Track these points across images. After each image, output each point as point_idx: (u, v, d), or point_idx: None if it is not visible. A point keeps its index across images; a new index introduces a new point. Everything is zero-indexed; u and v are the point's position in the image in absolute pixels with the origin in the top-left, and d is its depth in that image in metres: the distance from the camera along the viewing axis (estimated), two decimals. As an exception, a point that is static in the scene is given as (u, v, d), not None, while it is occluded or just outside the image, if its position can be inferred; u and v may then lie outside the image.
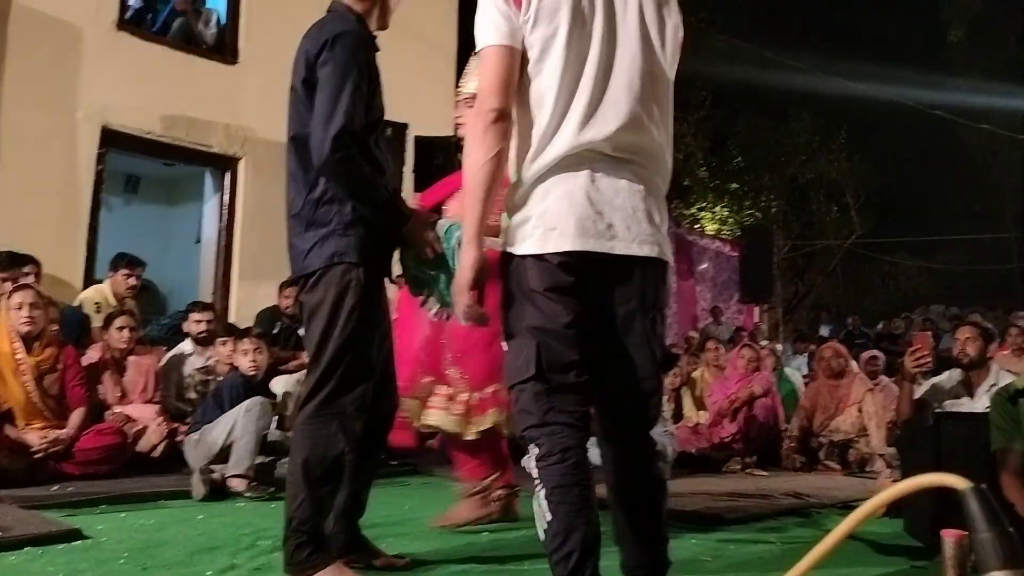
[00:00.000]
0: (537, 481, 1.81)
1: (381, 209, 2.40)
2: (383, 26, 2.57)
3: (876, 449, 5.48)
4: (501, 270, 1.94)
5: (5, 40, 5.97)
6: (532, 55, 1.88)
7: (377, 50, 2.50)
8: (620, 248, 1.88)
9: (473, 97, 2.56)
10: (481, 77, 1.91)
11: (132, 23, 6.87)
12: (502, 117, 1.86)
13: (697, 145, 17.72)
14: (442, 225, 2.39)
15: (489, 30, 1.88)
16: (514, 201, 1.93)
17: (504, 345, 1.95)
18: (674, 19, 2.01)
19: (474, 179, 1.87)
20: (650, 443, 2.02)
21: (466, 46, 9.36)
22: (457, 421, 3.26)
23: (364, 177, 2.35)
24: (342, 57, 2.32)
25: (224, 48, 7.32)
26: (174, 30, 7.17)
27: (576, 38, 1.87)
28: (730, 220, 18.46)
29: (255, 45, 7.32)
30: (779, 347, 9.74)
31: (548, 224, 1.86)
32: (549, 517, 1.77)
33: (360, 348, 2.39)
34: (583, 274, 1.86)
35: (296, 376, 5.19)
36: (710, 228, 17.55)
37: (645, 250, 1.90)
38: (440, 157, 7.55)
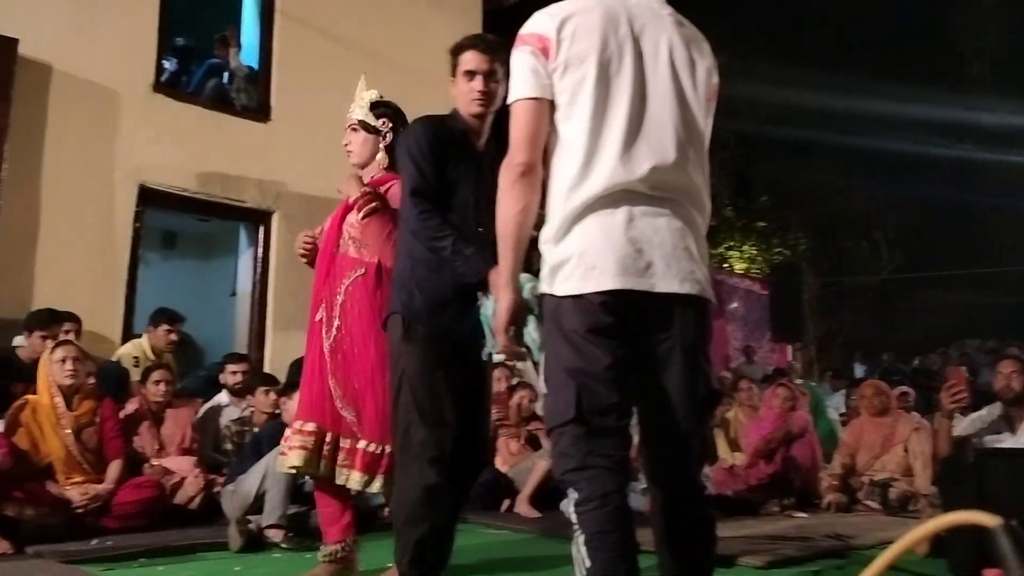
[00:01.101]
0: (576, 527, 1.79)
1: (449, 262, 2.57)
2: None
3: (921, 488, 5.37)
4: (541, 312, 1.97)
5: (46, 104, 6.18)
6: (562, 100, 1.93)
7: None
8: (661, 286, 1.88)
9: (359, 124, 3.09)
10: (512, 130, 1.96)
11: (167, 85, 7.09)
12: (530, 171, 1.92)
13: (722, 185, 17.71)
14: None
15: (519, 83, 1.95)
16: (551, 242, 1.95)
17: (542, 386, 1.96)
18: (706, 62, 2.05)
19: (505, 229, 1.95)
20: (698, 487, 1.99)
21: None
22: (359, 478, 2.98)
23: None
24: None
25: (256, 107, 7.52)
26: (208, 91, 7.39)
27: (605, 83, 1.91)
28: (759, 258, 18.37)
29: (286, 103, 7.51)
30: (813, 384, 9.61)
31: (588, 264, 1.86)
32: (588, 564, 1.74)
33: (419, 394, 2.59)
34: (623, 314, 1.85)
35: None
36: (739, 267, 17.47)
37: (686, 287, 1.90)
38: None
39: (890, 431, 5.71)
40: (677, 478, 1.96)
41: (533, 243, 2.14)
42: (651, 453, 1.98)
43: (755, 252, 18.56)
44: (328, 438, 2.99)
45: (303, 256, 3.25)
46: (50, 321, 5.14)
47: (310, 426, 3.00)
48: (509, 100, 1.98)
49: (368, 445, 2.96)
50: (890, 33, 19.28)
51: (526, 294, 2.25)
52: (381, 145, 3.14)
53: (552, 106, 1.93)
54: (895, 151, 18.63)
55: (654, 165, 1.89)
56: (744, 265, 17.92)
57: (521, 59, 1.94)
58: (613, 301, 1.85)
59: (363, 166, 3.16)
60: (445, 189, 2.68)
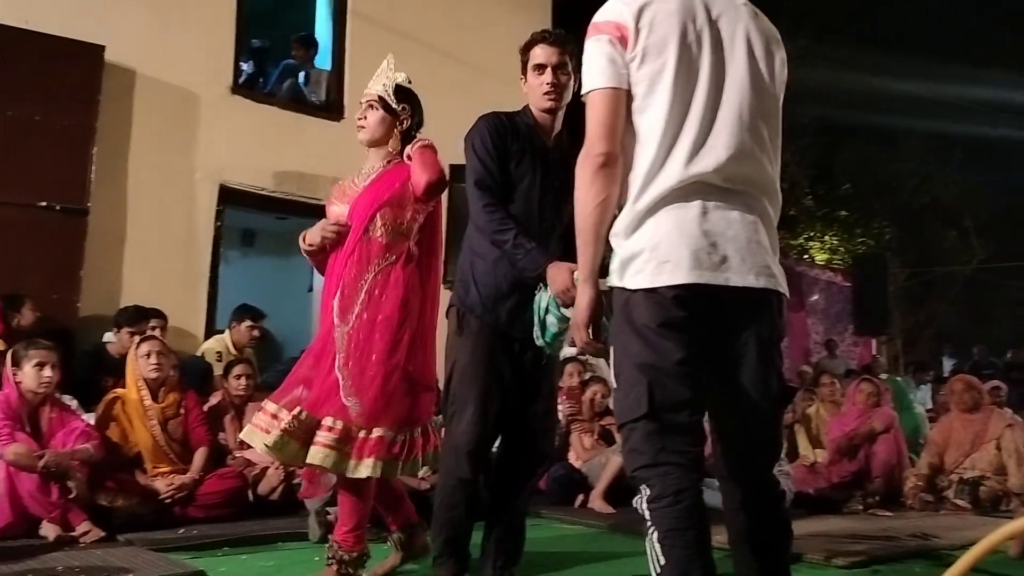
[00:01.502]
0: (649, 524, 1.76)
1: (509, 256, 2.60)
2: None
3: (1014, 487, 5.14)
4: (611, 305, 1.93)
5: (131, 108, 6.40)
6: (639, 91, 1.87)
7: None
8: (735, 280, 1.83)
9: (378, 101, 2.97)
10: (589, 121, 1.91)
11: (245, 87, 7.27)
12: (610, 162, 1.86)
13: (802, 173, 17.28)
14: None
15: (595, 73, 1.88)
16: (622, 235, 1.91)
17: (613, 382, 1.93)
18: (781, 54, 2.01)
19: (585, 222, 1.89)
20: (773, 483, 1.95)
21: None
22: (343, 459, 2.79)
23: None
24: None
25: (331, 106, 7.65)
26: (283, 91, 7.55)
27: (684, 72, 1.86)
28: (840, 249, 17.86)
29: (358, 103, 7.61)
30: (897, 379, 9.30)
31: (661, 257, 1.82)
32: (663, 561, 1.72)
33: (465, 384, 2.67)
34: (696, 308, 1.82)
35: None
36: (820, 258, 17.03)
37: (761, 282, 1.86)
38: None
39: (981, 427, 5.48)
40: (752, 475, 1.93)
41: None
42: (725, 450, 1.94)
43: (836, 242, 18.06)
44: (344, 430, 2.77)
45: (324, 241, 3.04)
46: (137, 318, 5.33)
47: (337, 424, 2.77)
48: (585, 90, 1.92)
49: (360, 432, 2.76)
50: (978, 16, 18.50)
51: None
52: (397, 130, 3.03)
53: (629, 96, 1.88)
54: (984, 136, 17.87)
55: (729, 156, 1.85)
56: (825, 256, 17.45)
57: (598, 48, 1.88)
58: (686, 295, 1.81)
59: (372, 145, 3.08)
60: (508, 183, 2.69)
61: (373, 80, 3.08)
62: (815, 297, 13.18)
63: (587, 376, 6.07)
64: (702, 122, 1.86)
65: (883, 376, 8.67)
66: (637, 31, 1.86)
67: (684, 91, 1.86)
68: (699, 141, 1.85)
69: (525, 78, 2.78)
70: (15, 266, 5.52)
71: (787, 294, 1.95)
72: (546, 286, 2.45)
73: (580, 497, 5.16)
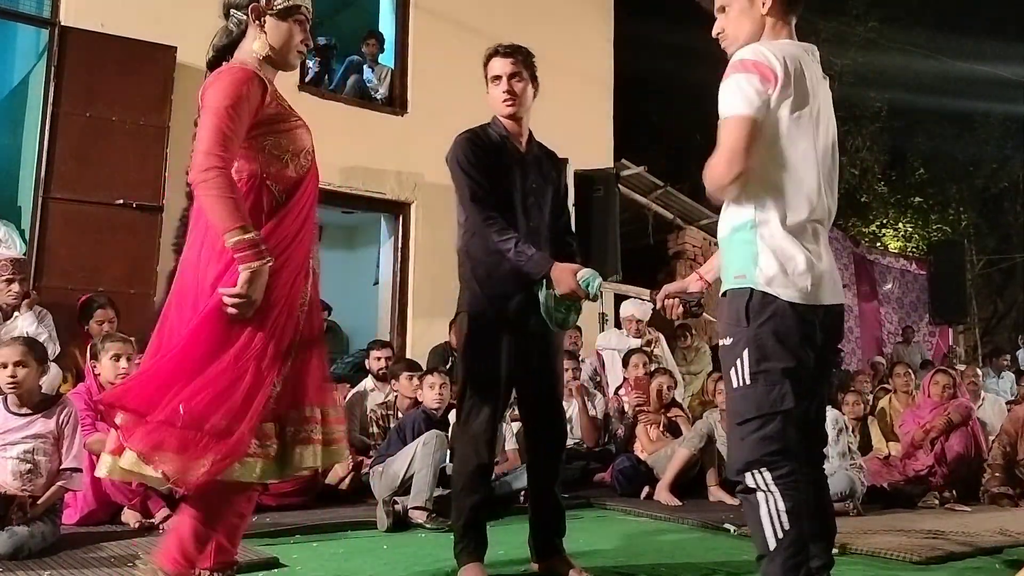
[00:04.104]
0: (774, 495, 2.07)
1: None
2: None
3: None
4: (754, 309, 2.14)
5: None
6: (781, 129, 2.13)
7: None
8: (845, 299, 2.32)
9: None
10: (728, 140, 2.10)
11: (311, 84, 7.40)
12: (742, 179, 2.12)
13: (873, 159, 16.80)
14: (582, 275, 2.78)
15: (741, 101, 2.10)
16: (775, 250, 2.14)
17: (746, 376, 2.15)
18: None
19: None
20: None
21: (621, 79, 9.40)
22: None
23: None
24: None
25: (394, 101, 7.74)
26: (348, 88, 7.66)
27: (813, 120, 2.17)
28: (915, 236, 17.33)
29: (422, 97, 7.69)
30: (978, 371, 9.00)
31: (814, 278, 2.12)
32: (788, 527, 2.05)
33: (480, 381, 2.90)
34: (818, 324, 2.16)
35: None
36: (893, 246, 16.54)
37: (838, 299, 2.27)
38: (600, 190, 7.61)
39: (1056, 416, 5.28)
40: (817, 459, 2.29)
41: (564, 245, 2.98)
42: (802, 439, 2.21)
43: (911, 229, 17.52)
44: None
45: None
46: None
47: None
48: (727, 113, 2.11)
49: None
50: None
51: (593, 290, 2.76)
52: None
53: (759, 126, 2.11)
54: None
55: (830, 208, 2.23)
56: (899, 244, 16.96)
57: (747, 80, 2.10)
58: (819, 314, 2.16)
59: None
60: (495, 193, 2.90)
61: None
62: (888, 286, 12.82)
63: (653, 367, 6.03)
64: (823, 162, 2.20)
65: (960, 367, 8.40)
66: (784, 76, 2.10)
67: (812, 137, 2.17)
68: (827, 180, 2.22)
69: (488, 91, 3.03)
70: (94, 262, 5.72)
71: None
72: (544, 284, 2.80)
73: (646, 489, 5.13)
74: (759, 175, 2.13)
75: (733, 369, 2.14)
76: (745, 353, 2.11)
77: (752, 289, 2.11)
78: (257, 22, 2.39)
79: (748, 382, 2.11)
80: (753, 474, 2.09)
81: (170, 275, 6.23)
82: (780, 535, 2.05)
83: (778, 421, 2.09)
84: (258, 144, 2.33)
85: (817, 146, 2.17)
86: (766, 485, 2.07)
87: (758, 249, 2.12)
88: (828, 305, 2.16)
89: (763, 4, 2.21)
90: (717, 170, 2.12)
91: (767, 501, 2.07)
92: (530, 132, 3.09)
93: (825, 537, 2.21)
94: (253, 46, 2.39)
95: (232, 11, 2.44)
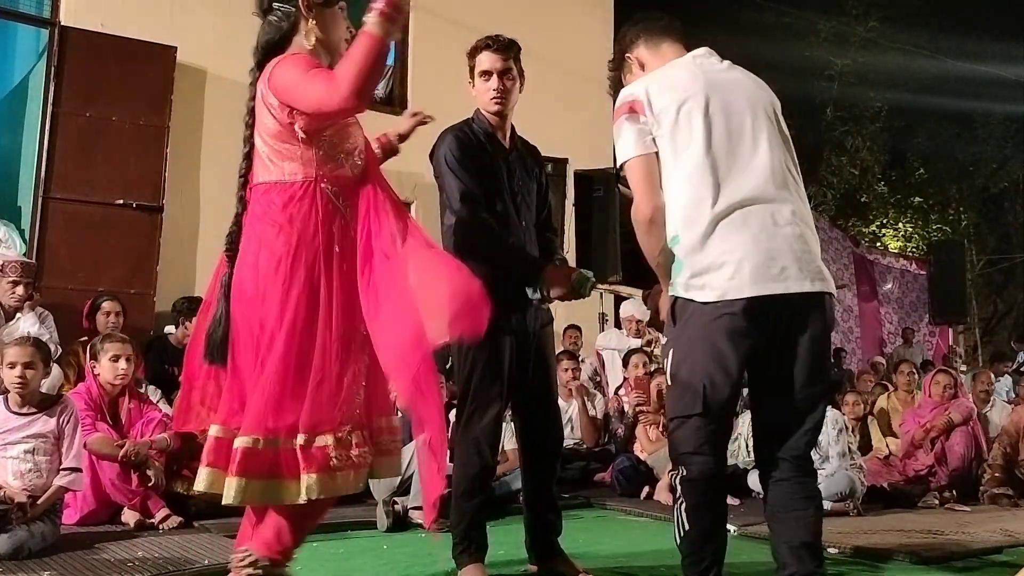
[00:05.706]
0: (680, 497, 2.17)
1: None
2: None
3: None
4: (677, 314, 2.23)
5: (202, 107, 6.57)
6: (663, 143, 2.26)
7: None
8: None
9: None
10: (636, 182, 2.25)
11: (311, 83, 7.41)
12: (661, 207, 2.26)
13: (873, 159, 16.81)
14: (576, 277, 2.78)
15: (627, 145, 2.25)
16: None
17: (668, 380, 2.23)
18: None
19: None
20: (810, 459, 2.31)
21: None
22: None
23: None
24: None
25: (393, 100, 7.74)
26: (349, 87, 7.66)
27: (701, 108, 2.26)
28: (915, 236, 17.33)
29: (421, 96, 7.69)
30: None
31: (733, 272, 2.15)
32: (688, 528, 2.14)
33: (481, 383, 2.83)
34: (768, 316, 2.17)
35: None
36: (893, 246, 16.55)
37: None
38: (599, 190, 7.62)
39: (1056, 415, 5.28)
40: (797, 453, 2.22)
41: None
42: (775, 433, 2.24)
43: (911, 229, 17.53)
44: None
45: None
46: (193, 308, 5.44)
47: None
48: (621, 159, 2.26)
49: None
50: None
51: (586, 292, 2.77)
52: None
53: (654, 158, 2.27)
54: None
55: (756, 185, 2.25)
56: (899, 244, 16.96)
57: (627, 121, 2.25)
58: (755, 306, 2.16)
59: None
60: (483, 191, 2.85)
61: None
62: (888, 286, 12.82)
63: (652, 367, 6.02)
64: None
65: (962, 369, 8.40)
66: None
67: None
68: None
69: (473, 83, 2.94)
70: (94, 262, 5.73)
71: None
72: (537, 285, 2.80)
73: (646, 489, 5.13)
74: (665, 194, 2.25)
75: (666, 372, 2.28)
76: (669, 355, 2.22)
77: (675, 296, 2.22)
78: (308, 13, 2.28)
79: (670, 383, 2.24)
80: (674, 473, 2.21)
81: (171, 274, 6.29)
82: (681, 533, 2.16)
83: (689, 424, 2.16)
84: (313, 143, 2.25)
85: (713, 137, 2.20)
86: (679, 483, 2.17)
87: (678, 256, 2.21)
88: (778, 295, 2.11)
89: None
90: (640, 210, 2.24)
91: (678, 500, 2.18)
92: (512, 127, 3.02)
93: (806, 545, 2.15)
94: (305, 40, 2.30)
95: (275, 4, 2.34)
